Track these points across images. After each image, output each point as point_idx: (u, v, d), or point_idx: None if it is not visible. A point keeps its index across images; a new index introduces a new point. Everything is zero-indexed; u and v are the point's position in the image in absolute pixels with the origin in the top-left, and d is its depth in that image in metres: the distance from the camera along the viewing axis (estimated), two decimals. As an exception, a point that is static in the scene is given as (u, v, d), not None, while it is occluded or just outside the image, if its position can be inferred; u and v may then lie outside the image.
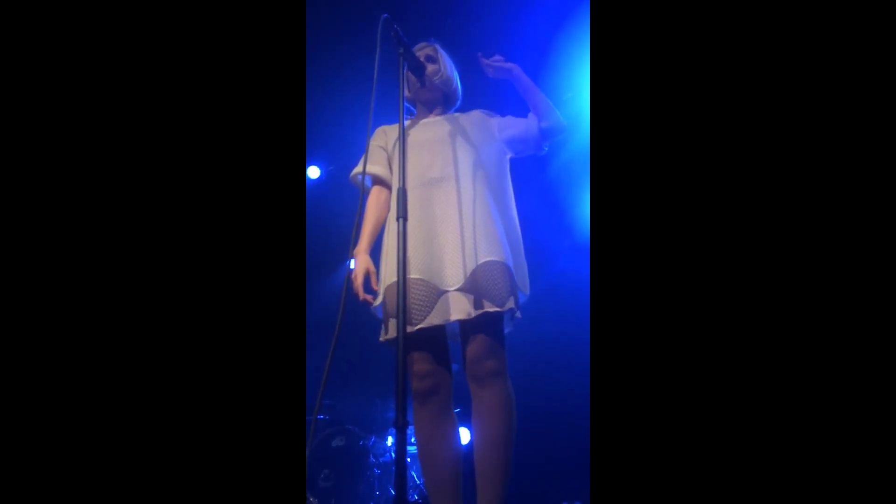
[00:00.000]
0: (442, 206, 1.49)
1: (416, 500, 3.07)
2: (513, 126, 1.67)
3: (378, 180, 1.71)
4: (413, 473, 3.27)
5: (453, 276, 1.41)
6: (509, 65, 1.62)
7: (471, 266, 1.40)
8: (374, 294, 1.52)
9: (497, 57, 1.64)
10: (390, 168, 1.69)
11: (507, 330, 1.49)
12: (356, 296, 1.49)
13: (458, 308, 1.40)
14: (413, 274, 1.42)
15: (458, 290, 1.40)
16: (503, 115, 1.73)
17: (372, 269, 1.53)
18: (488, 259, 1.41)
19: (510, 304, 1.40)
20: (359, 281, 1.50)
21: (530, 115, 1.65)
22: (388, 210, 1.66)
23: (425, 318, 1.40)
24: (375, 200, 1.68)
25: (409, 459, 3.06)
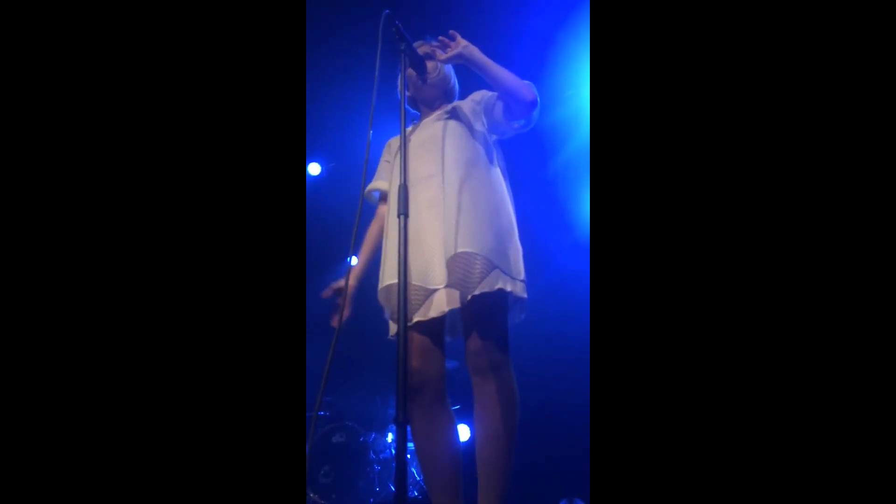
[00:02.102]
0: (428, 205, 1.49)
1: (416, 497, 3.07)
2: (488, 106, 1.63)
3: (384, 196, 1.74)
4: (413, 470, 3.28)
5: (438, 275, 1.41)
6: (456, 48, 1.51)
7: (447, 256, 1.40)
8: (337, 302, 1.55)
9: (446, 39, 1.52)
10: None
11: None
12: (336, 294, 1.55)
13: (441, 304, 1.39)
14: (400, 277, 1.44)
15: (444, 287, 1.40)
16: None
17: (341, 287, 1.54)
18: (462, 250, 1.39)
19: (493, 285, 1.37)
20: (328, 293, 1.56)
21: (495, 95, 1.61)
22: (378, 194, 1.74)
23: (412, 317, 1.42)
24: (377, 219, 1.74)
25: (409, 456, 3.07)
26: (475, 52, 1.53)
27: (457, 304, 1.38)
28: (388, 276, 1.50)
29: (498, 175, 1.60)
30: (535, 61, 3.25)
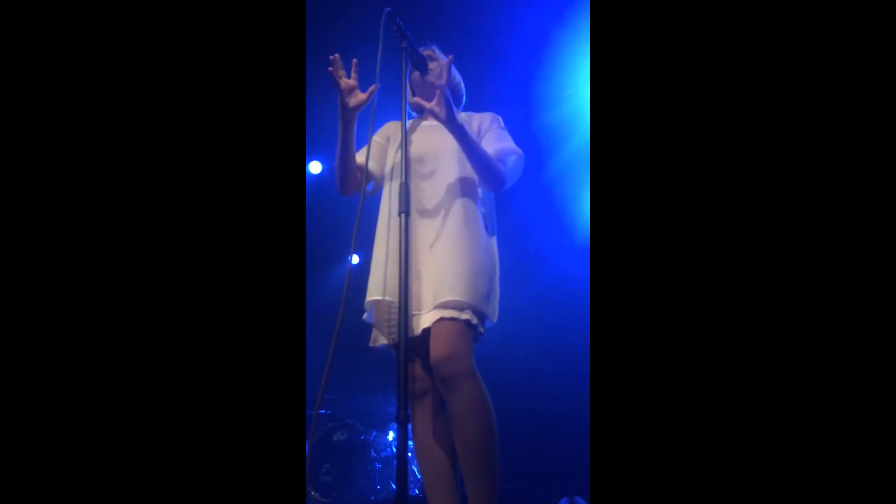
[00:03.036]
0: (423, 229, 1.50)
1: (417, 495, 3.08)
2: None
3: (360, 169, 1.67)
4: (414, 468, 3.28)
5: (424, 303, 1.44)
6: (439, 108, 1.42)
7: (434, 300, 1.42)
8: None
9: (439, 98, 1.42)
10: (380, 162, 1.69)
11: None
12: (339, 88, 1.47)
13: (423, 324, 1.43)
14: (387, 295, 1.46)
15: (422, 313, 1.43)
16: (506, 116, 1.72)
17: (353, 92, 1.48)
18: (451, 298, 1.41)
19: (466, 315, 1.41)
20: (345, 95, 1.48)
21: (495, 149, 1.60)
22: (357, 167, 1.62)
23: (395, 334, 1.46)
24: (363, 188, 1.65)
25: (410, 454, 3.07)
26: (455, 124, 1.44)
27: (429, 325, 1.41)
28: (375, 290, 1.49)
29: (490, 206, 1.62)
30: (535, 59, 3.25)
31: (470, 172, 1.58)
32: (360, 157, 1.67)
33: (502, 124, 1.69)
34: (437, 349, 1.38)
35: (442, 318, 1.39)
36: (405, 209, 1.25)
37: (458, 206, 1.51)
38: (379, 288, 1.47)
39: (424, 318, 1.43)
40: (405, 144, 1.33)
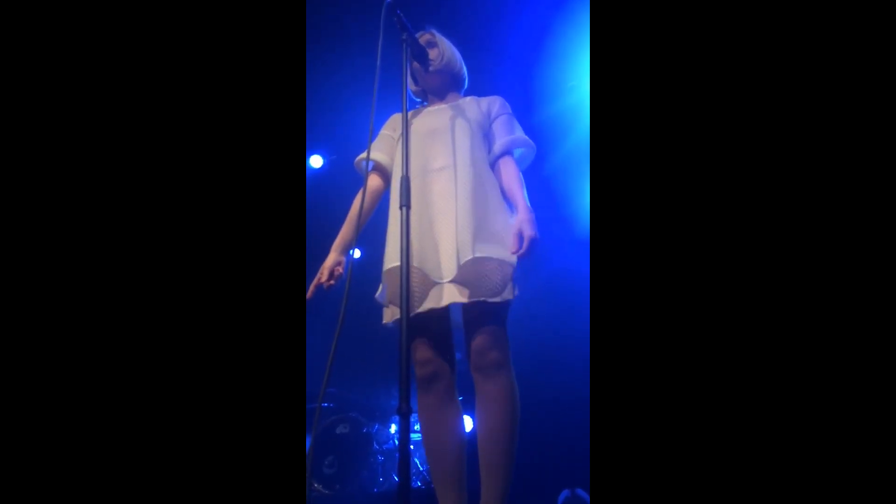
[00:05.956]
0: (440, 196, 1.50)
1: (419, 487, 3.09)
2: (489, 127, 1.67)
3: (378, 167, 1.71)
4: (416, 460, 3.30)
5: (447, 268, 1.42)
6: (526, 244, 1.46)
7: (463, 260, 1.40)
8: (334, 282, 1.56)
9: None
10: (390, 154, 1.71)
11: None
12: (321, 279, 1.54)
13: (451, 296, 1.40)
14: (412, 262, 1.42)
15: (450, 281, 1.41)
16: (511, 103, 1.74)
17: (338, 269, 1.56)
18: (480, 255, 1.40)
19: (507, 295, 1.40)
20: (323, 277, 1.54)
21: (497, 143, 1.63)
22: (376, 200, 1.70)
23: (419, 304, 1.41)
24: (371, 193, 1.70)
25: (412, 447, 3.08)
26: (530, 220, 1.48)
27: (459, 300, 1.38)
28: (391, 259, 1.49)
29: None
30: (535, 51, 3.23)
31: (482, 145, 1.61)
32: (372, 153, 1.69)
33: (509, 110, 1.72)
34: (478, 338, 1.39)
35: (485, 301, 1.38)
36: (406, 203, 1.25)
37: (477, 170, 1.53)
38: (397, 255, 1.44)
39: (450, 289, 1.40)
40: (406, 136, 1.33)
